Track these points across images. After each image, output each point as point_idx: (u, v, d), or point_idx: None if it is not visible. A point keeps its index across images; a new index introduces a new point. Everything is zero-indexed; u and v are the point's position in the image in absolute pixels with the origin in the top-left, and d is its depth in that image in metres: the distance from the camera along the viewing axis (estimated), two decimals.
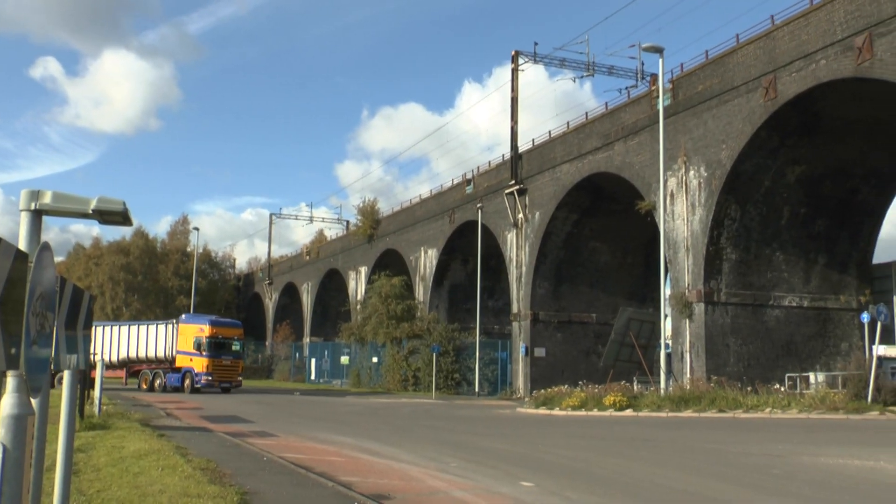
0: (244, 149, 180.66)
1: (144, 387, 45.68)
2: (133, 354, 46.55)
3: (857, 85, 26.80)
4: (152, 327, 47.67)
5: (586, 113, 40.51)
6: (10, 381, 3.46)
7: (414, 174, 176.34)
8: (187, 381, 44.03)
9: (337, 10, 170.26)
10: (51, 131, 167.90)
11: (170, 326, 46.57)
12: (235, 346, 45.40)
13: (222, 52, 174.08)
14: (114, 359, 46.36)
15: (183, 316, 48.42)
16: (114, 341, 46.98)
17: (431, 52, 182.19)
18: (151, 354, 46.23)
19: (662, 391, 28.20)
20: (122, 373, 47.89)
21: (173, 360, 45.24)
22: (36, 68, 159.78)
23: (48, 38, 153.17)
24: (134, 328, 48.16)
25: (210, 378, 43.38)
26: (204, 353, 43.50)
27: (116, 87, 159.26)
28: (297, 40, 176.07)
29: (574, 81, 50.29)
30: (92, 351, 43.12)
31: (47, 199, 3.89)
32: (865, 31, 25.36)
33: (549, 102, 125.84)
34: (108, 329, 47.93)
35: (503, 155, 47.66)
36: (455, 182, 53.55)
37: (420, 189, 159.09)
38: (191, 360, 44.09)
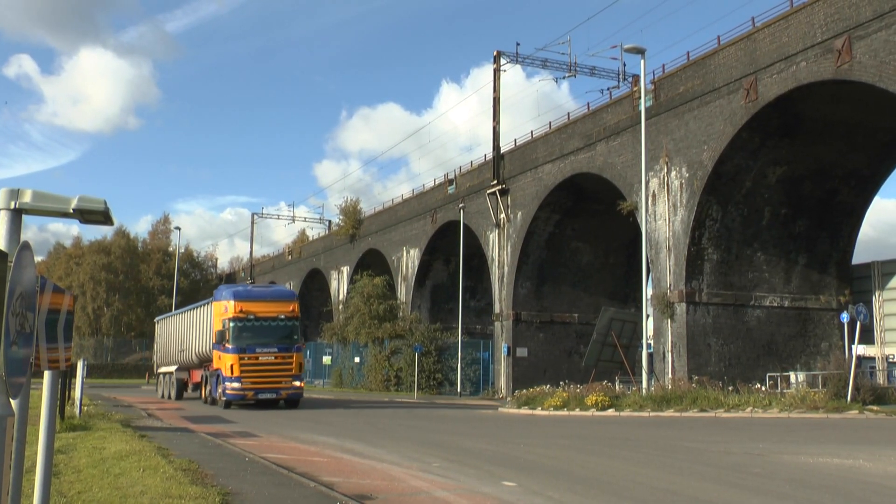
0: (223, 148, 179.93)
1: (203, 395, 33.46)
2: (204, 350, 32.40)
3: (837, 87, 27.03)
4: (200, 311, 33.87)
5: (568, 113, 40.67)
6: None
7: (393, 174, 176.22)
8: (219, 389, 29.83)
9: (315, 10, 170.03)
10: (32, 129, 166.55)
11: (206, 308, 32.76)
12: (284, 331, 29.54)
13: (201, 51, 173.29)
14: (193, 357, 34.32)
15: (219, 288, 33.03)
16: (189, 332, 34.95)
17: (409, 52, 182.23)
18: (204, 350, 32.40)
19: (644, 391, 28.31)
20: (199, 375, 34.91)
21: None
22: (10, 66, 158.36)
23: (23, 36, 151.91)
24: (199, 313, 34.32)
25: (238, 386, 28.48)
26: (228, 347, 28.73)
27: (94, 85, 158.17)
28: (275, 40, 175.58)
29: (556, 82, 50.66)
30: (181, 347, 34.17)
31: (27, 197, 3.86)
32: (844, 34, 25.58)
33: (526, 103, 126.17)
34: (180, 318, 36.96)
35: (485, 155, 47.73)
36: (437, 182, 53.56)
37: (399, 189, 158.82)
38: (219, 357, 29.70)
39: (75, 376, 22.54)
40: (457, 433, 19.56)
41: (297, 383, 29.45)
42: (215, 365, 30.16)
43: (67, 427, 16.88)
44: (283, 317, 29.46)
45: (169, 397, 37.39)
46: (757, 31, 29.29)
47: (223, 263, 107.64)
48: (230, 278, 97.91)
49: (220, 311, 29.86)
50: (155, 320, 45.67)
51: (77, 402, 21.27)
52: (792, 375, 31.30)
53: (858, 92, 26.77)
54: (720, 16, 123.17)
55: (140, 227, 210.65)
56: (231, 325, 28.77)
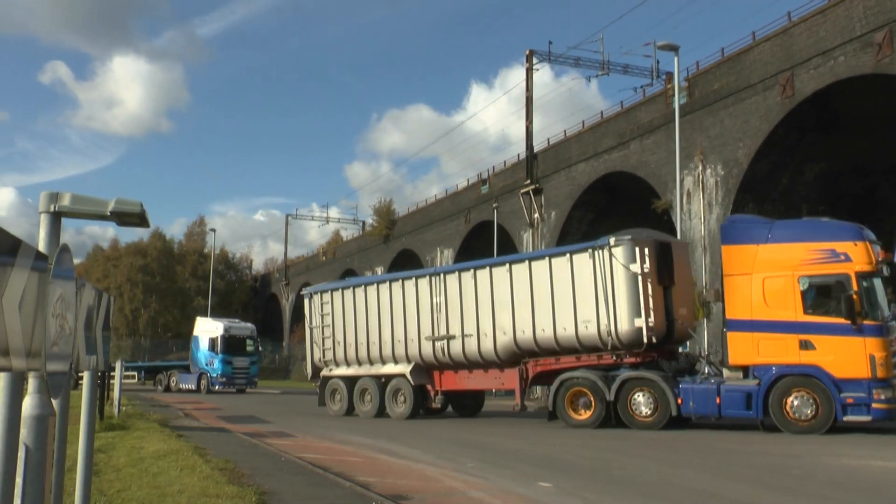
0: (253, 151, 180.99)
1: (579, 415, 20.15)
2: (563, 332, 20.52)
3: (876, 81, 26.60)
4: (573, 257, 20.46)
5: (601, 112, 40.51)
6: (32, 382, 3.48)
7: (423, 174, 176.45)
8: (835, 400, 17.10)
9: (344, 13, 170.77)
10: (71, 133, 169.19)
11: (588, 258, 20.00)
12: None
13: (231, 55, 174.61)
14: (490, 345, 22.03)
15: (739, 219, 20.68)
16: (488, 302, 22.10)
17: (438, 53, 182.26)
18: (561, 333, 20.52)
19: None
20: (511, 378, 22.15)
21: (675, 341, 20.41)
22: (45, 73, 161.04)
23: (57, 42, 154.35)
24: (558, 261, 20.81)
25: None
26: (868, 325, 17.36)
27: (126, 90, 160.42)
28: (304, 43, 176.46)
29: (587, 81, 50.28)
30: (438, 333, 22.86)
31: (66, 201, 3.91)
32: (885, 27, 25.16)
33: (554, 103, 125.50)
34: (430, 283, 23.71)
35: (518, 155, 47.66)
36: (470, 182, 53.57)
37: (430, 189, 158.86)
38: (831, 346, 17.30)
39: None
40: (491, 433, 19.53)
41: None
42: (821, 360, 17.22)
43: (106, 427, 17.11)
44: None
45: (378, 414, 24.53)
46: (793, 26, 28.91)
47: (257, 264, 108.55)
48: (265, 279, 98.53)
49: (800, 256, 17.59)
50: (304, 293, 28.27)
51: (116, 402, 21.56)
52: None
53: None
54: (755, 11, 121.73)
55: (175, 229, 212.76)
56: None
